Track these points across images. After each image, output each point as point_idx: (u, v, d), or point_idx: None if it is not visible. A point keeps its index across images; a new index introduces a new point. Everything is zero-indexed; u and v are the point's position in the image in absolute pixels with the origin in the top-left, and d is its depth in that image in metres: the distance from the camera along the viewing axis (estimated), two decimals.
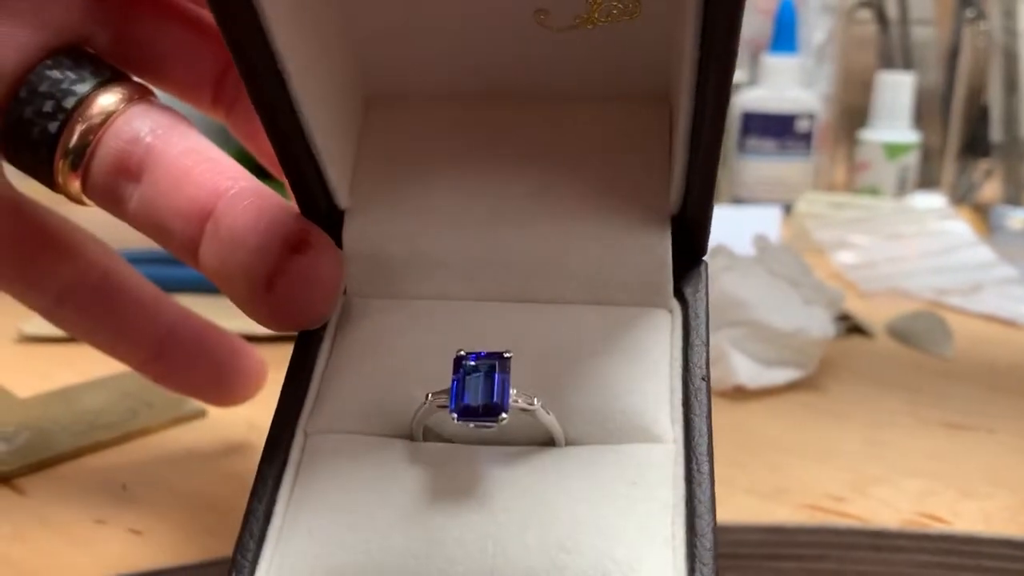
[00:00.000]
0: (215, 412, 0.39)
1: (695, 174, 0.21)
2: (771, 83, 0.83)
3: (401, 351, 0.22)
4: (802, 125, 0.83)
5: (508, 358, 0.19)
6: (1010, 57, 0.81)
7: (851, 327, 0.51)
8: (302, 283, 0.21)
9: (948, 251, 0.66)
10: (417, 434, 0.21)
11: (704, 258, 0.22)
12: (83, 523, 0.30)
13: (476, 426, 0.18)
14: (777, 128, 0.83)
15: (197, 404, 0.39)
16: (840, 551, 0.31)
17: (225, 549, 0.28)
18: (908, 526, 0.31)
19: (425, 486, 0.19)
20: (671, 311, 0.22)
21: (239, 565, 0.19)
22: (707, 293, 0.22)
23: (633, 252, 0.22)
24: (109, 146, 0.22)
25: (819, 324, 0.42)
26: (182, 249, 0.22)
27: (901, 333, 0.51)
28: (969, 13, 0.85)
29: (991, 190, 0.87)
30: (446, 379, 0.19)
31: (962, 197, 0.88)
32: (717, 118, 0.19)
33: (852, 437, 0.38)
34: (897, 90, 0.83)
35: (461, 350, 0.19)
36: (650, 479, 0.19)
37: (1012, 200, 0.82)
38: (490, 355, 0.19)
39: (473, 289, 0.22)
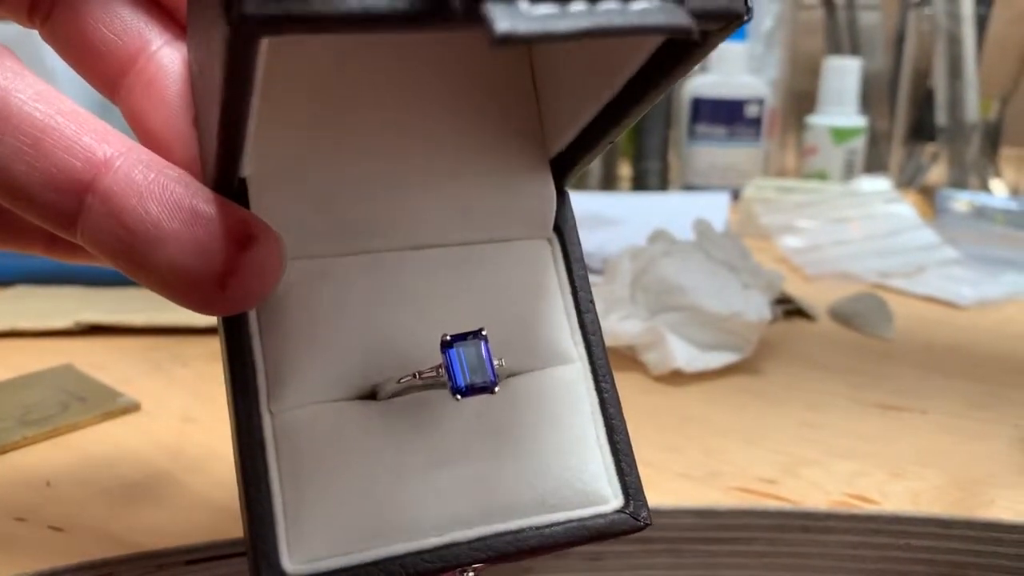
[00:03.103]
0: (149, 406, 0.38)
1: (597, 133, 0.22)
2: (720, 69, 0.83)
3: (339, 314, 0.22)
4: (751, 111, 0.83)
5: (485, 335, 0.21)
6: (954, 42, 0.82)
7: (791, 310, 0.52)
8: (254, 277, 0.20)
9: (892, 234, 0.67)
10: (385, 396, 0.22)
11: (565, 189, 0.25)
12: (2, 521, 0.29)
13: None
14: (727, 114, 0.83)
15: (131, 398, 0.38)
16: (770, 533, 0.31)
17: (147, 543, 0.28)
18: (837, 507, 0.31)
19: (410, 439, 0.22)
20: (549, 240, 0.24)
21: (264, 554, 0.20)
22: (575, 221, 0.25)
23: (526, 195, 0.24)
24: None
25: (756, 307, 0.42)
26: (49, 220, 0.19)
27: (843, 315, 0.52)
28: None
29: (937, 173, 0.88)
30: (397, 334, 0.22)
31: (909, 181, 0.89)
32: (645, 104, 0.20)
33: (787, 420, 0.38)
34: (844, 75, 0.83)
35: (446, 335, 0.21)
36: (573, 395, 0.23)
37: (957, 183, 0.84)
38: (471, 335, 0.21)
39: (384, 244, 0.23)
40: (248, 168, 0.21)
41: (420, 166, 0.23)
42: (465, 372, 0.21)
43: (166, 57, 0.22)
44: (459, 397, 0.20)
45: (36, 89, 0.19)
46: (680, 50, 0.18)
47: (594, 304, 0.24)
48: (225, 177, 0.20)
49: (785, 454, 0.35)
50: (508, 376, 0.23)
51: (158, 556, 0.28)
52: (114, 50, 0.22)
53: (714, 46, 0.18)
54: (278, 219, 0.21)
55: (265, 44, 0.15)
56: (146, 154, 0.19)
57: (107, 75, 0.22)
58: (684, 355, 0.41)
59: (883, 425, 0.38)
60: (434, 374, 0.21)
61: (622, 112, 0.21)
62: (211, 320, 0.48)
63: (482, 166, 0.24)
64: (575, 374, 0.23)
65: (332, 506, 0.20)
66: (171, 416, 0.38)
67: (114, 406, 0.38)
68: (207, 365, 0.44)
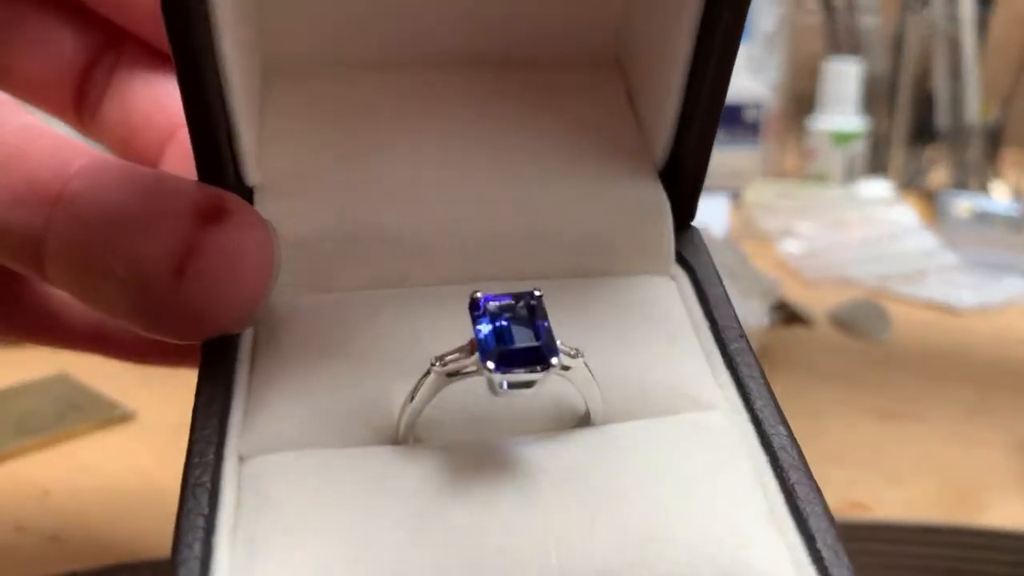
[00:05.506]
0: (144, 415, 0.38)
1: (694, 120, 0.18)
2: None
3: (359, 351, 0.17)
4: (751, 114, 0.83)
5: (540, 296, 0.15)
6: (954, 44, 0.82)
7: (789, 316, 0.52)
8: (224, 264, 0.15)
9: (892, 238, 0.67)
10: (408, 433, 0.16)
11: (694, 223, 0.19)
12: (1, 530, 0.29)
13: (510, 385, 0.14)
14: (726, 117, 0.83)
15: (126, 407, 0.39)
16: None
17: (144, 551, 0.28)
18: (834, 514, 0.31)
19: (441, 491, 0.15)
20: (673, 277, 0.19)
21: None
22: (711, 258, 0.19)
23: (625, 209, 0.18)
24: None
25: (753, 314, 0.42)
26: (21, 250, 0.16)
27: (841, 321, 0.52)
28: (913, 1, 0.86)
29: (938, 176, 0.88)
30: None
31: (909, 183, 0.89)
32: (728, 56, 0.17)
33: None
34: (844, 78, 0.83)
35: (477, 291, 0.15)
36: (722, 448, 0.16)
37: (959, 185, 0.83)
38: (517, 295, 0.15)
39: (433, 273, 0.18)
40: (256, 175, 0.18)
41: (479, 177, 0.19)
42: (503, 337, 0.14)
43: None
44: (491, 367, 0.14)
45: (23, 121, 0.17)
46: None
47: (747, 340, 0.18)
48: (208, 157, 0.16)
49: None
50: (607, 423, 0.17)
51: (154, 565, 0.28)
52: (158, 120, 0.21)
53: None
54: (293, 236, 0.17)
55: None
56: (117, 158, 0.17)
57: (152, 148, 0.21)
58: None
59: (880, 432, 0.38)
60: (460, 356, 0.15)
61: (715, 53, 0.17)
62: None
63: (567, 175, 0.19)
64: (720, 422, 0.17)
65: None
66: (166, 425, 0.38)
67: (110, 415, 0.38)
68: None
